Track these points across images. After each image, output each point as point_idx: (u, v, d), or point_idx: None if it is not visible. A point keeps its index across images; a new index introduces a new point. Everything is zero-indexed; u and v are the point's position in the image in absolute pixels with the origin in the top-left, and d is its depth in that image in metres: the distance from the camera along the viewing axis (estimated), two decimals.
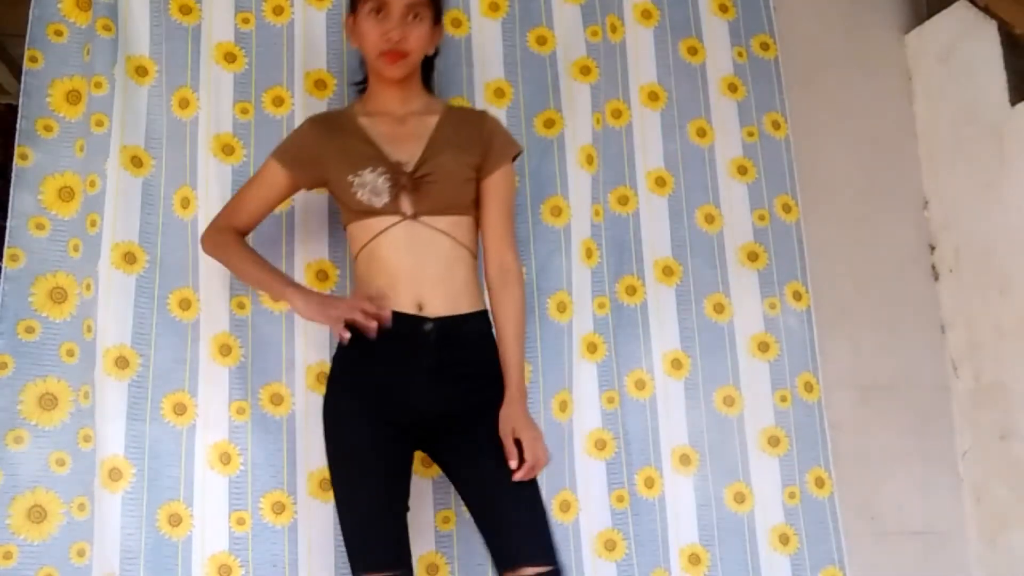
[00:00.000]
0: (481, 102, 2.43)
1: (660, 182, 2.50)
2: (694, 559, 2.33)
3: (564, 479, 2.28)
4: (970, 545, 2.59)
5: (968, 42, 2.66)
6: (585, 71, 2.48)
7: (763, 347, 2.46)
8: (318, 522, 2.18)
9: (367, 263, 2.00)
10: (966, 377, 2.63)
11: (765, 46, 2.64)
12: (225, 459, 2.18)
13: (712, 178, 2.53)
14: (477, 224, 2.07)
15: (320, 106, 2.36)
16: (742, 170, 2.55)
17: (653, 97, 2.54)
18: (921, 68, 2.81)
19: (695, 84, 2.57)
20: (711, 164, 2.54)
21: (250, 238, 2.17)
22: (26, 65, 2.28)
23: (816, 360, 2.49)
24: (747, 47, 2.63)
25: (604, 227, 2.43)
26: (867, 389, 2.60)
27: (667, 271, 2.46)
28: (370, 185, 1.97)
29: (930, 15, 2.79)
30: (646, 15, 2.57)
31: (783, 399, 2.44)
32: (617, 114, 2.50)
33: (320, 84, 2.38)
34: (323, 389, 2.05)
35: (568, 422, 2.31)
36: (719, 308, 2.46)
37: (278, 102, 2.36)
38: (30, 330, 2.18)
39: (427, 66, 2.16)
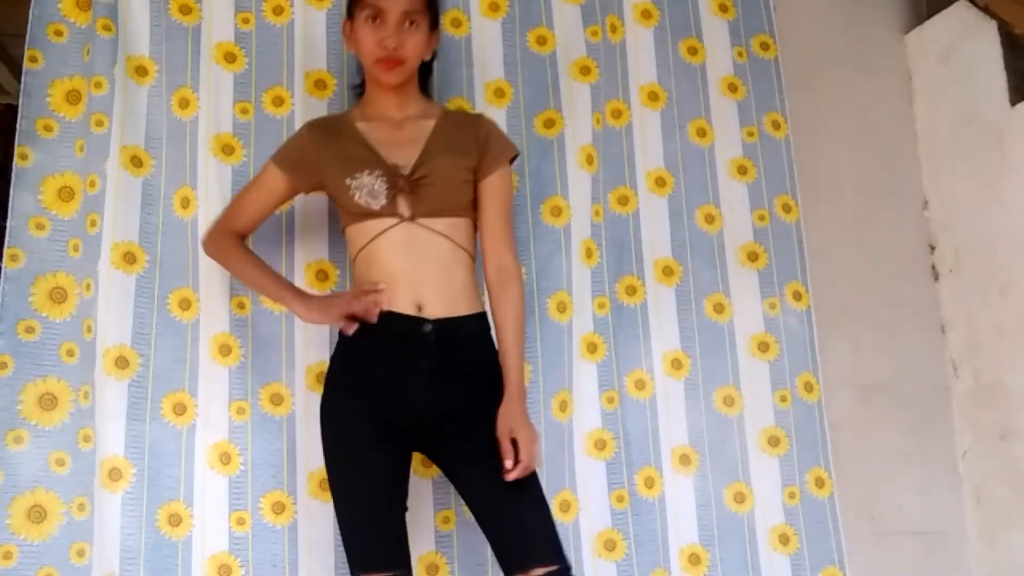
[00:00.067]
0: (481, 102, 2.43)
1: (660, 182, 2.50)
2: (694, 559, 2.33)
3: (564, 479, 2.28)
4: (970, 545, 2.59)
5: (968, 42, 2.66)
6: (585, 71, 2.48)
7: (763, 347, 2.46)
8: (318, 522, 2.18)
9: (366, 265, 2.00)
10: (966, 377, 2.63)
11: (765, 46, 2.64)
12: (225, 459, 2.18)
13: (712, 178, 2.53)
14: (475, 226, 2.07)
15: (320, 106, 2.36)
16: (742, 170, 2.55)
17: (653, 97, 2.54)
18: (921, 68, 2.81)
19: (695, 84, 2.57)
20: (711, 164, 2.54)
21: (250, 238, 2.18)
22: (26, 65, 2.28)
23: (816, 360, 2.49)
24: (747, 47, 2.63)
25: (604, 227, 2.43)
26: (867, 389, 2.60)
27: (667, 271, 2.46)
28: (367, 188, 1.97)
29: (930, 15, 2.79)
30: (646, 15, 2.57)
31: (783, 399, 2.44)
32: (617, 114, 2.50)
33: (320, 84, 2.38)
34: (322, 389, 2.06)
35: (568, 422, 2.31)
36: (719, 308, 2.46)
37: (278, 102, 2.36)
38: (30, 330, 2.18)
39: (424, 70, 2.17)
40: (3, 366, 2.16)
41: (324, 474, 2.00)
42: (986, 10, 2.59)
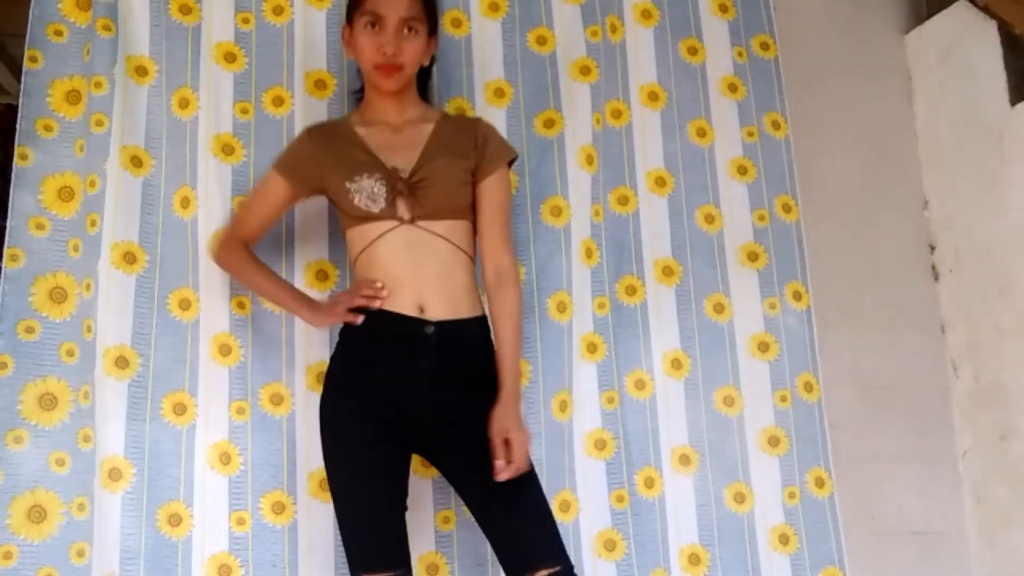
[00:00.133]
0: (481, 102, 2.43)
1: (660, 182, 2.50)
2: (694, 559, 2.33)
3: (564, 479, 2.27)
4: (970, 545, 2.59)
5: (968, 42, 2.66)
6: (585, 71, 2.48)
7: (763, 347, 2.46)
8: (318, 522, 2.18)
9: (366, 267, 2.01)
10: (966, 377, 2.63)
11: (765, 46, 2.64)
12: (225, 459, 2.18)
13: (712, 178, 2.53)
14: (475, 229, 2.08)
15: (320, 106, 2.36)
16: (742, 170, 2.55)
17: (653, 97, 2.54)
18: (921, 68, 2.81)
19: (695, 84, 2.57)
20: (711, 164, 2.54)
21: None
22: (26, 65, 2.28)
23: (816, 360, 2.49)
24: (747, 47, 2.63)
25: (604, 227, 2.43)
26: (867, 389, 2.61)
27: (667, 271, 2.46)
28: (367, 190, 1.99)
29: (930, 15, 2.80)
30: (646, 15, 2.57)
31: (783, 399, 2.44)
32: (617, 114, 2.50)
33: (320, 84, 2.38)
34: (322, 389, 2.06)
35: (568, 422, 2.31)
36: (719, 308, 2.46)
37: (278, 102, 2.36)
38: (30, 330, 2.18)
39: (423, 75, 2.19)
40: (3, 366, 2.16)
41: (324, 474, 2.00)
42: (986, 10, 2.59)
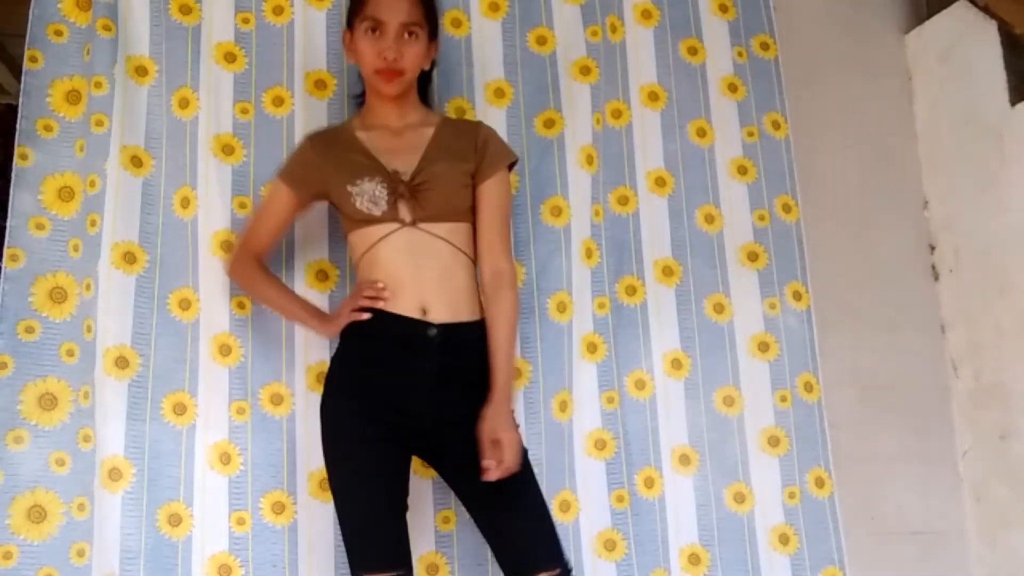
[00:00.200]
0: (481, 102, 2.43)
1: (660, 182, 2.50)
2: (694, 559, 2.33)
3: (564, 479, 2.28)
4: (970, 545, 2.59)
5: (968, 42, 2.66)
6: (585, 71, 2.48)
7: (763, 347, 2.46)
8: (318, 522, 2.18)
9: (369, 269, 2.02)
10: (966, 377, 2.63)
11: (765, 46, 2.64)
12: (225, 459, 2.18)
13: (712, 178, 2.53)
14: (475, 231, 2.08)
15: (320, 106, 2.36)
16: (742, 170, 2.55)
17: (653, 97, 2.54)
18: (921, 68, 2.81)
19: (695, 84, 2.57)
20: (711, 164, 2.54)
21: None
22: (26, 65, 2.28)
23: (816, 360, 2.49)
24: (747, 47, 2.63)
25: (604, 227, 2.43)
26: (867, 389, 2.61)
27: (667, 271, 2.46)
28: (368, 194, 2.00)
29: (930, 15, 2.79)
30: (646, 15, 2.57)
31: (783, 399, 2.44)
32: (617, 114, 2.50)
33: (320, 84, 2.38)
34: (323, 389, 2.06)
35: (568, 422, 2.31)
36: (719, 308, 2.46)
37: (278, 102, 2.36)
38: (30, 330, 2.18)
39: (424, 79, 2.19)
40: (3, 366, 2.16)
41: (324, 474, 2.00)
42: (986, 10, 2.59)
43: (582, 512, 2.27)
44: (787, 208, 2.56)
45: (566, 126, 2.44)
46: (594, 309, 2.38)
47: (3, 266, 2.19)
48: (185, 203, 2.26)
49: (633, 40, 2.55)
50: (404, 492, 1.96)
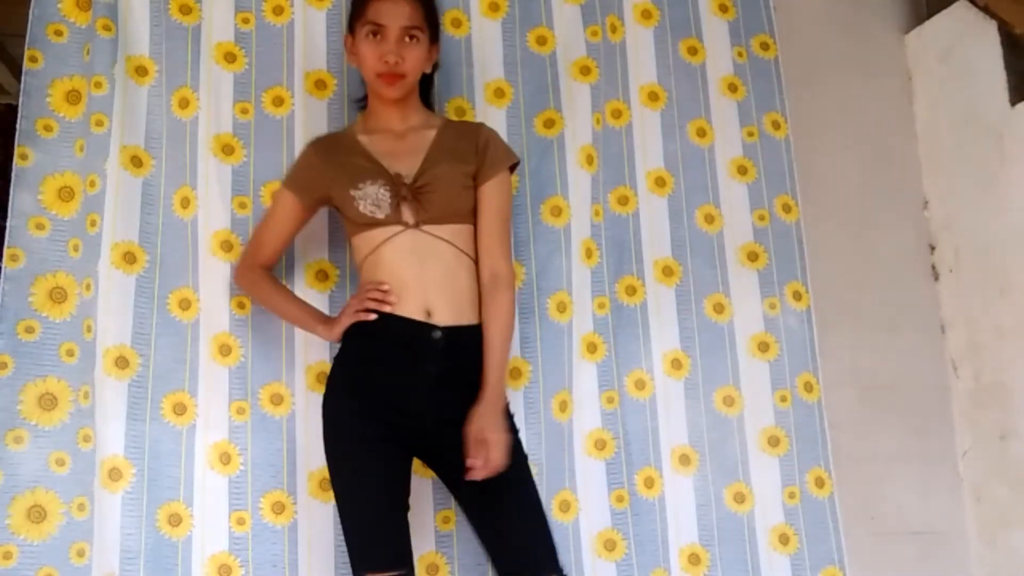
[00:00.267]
0: (481, 102, 2.43)
1: (660, 182, 2.50)
2: (694, 559, 2.33)
3: (564, 479, 2.28)
4: (970, 545, 2.59)
5: (968, 42, 2.66)
6: (585, 71, 2.48)
7: (763, 347, 2.46)
8: (318, 522, 2.18)
9: (372, 272, 2.03)
10: (966, 377, 2.63)
11: (765, 46, 2.64)
12: (225, 459, 2.18)
13: (712, 178, 2.53)
14: None
15: (320, 106, 2.36)
16: (742, 170, 2.55)
17: (653, 97, 2.54)
18: (921, 68, 2.81)
19: (695, 84, 2.57)
20: (711, 164, 2.54)
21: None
22: (26, 65, 2.28)
23: (816, 360, 2.49)
24: (747, 47, 2.63)
25: (604, 227, 2.43)
26: (867, 389, 2.61)
27: (667, 271, 2.46)
28: (372, 197, 2.00)
29: (930, 15, 2.79)
30: (646, 15, 2.57)
31: (783, 399, 2.44)
32: (617, 114, 2.50)
33: (320, 84, 2.38)
34: (323, 389, 2.06)
35: (568, 422, 2.31)
36: (719, 308, 2.46)
37: (278, 102, 2.36)
38: (30, 330, 2.18)
39: (426, 82, 2.20)
40: (3, 366, 2.16)
41: (324, 474, 2.01)
42: (986, 10, 2.59)
43: (582, 512, 2.27)
44: (787, 208, 2.56)
45: (566, 126, 2.44)
46: (594, 309, 2.38)
47: (3, 266, 2.19)
48: (185, 203, 2.26)
49: (633, 40, 2.55)
50: (405, 492, 1.96)
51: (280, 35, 2.39)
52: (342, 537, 1.94)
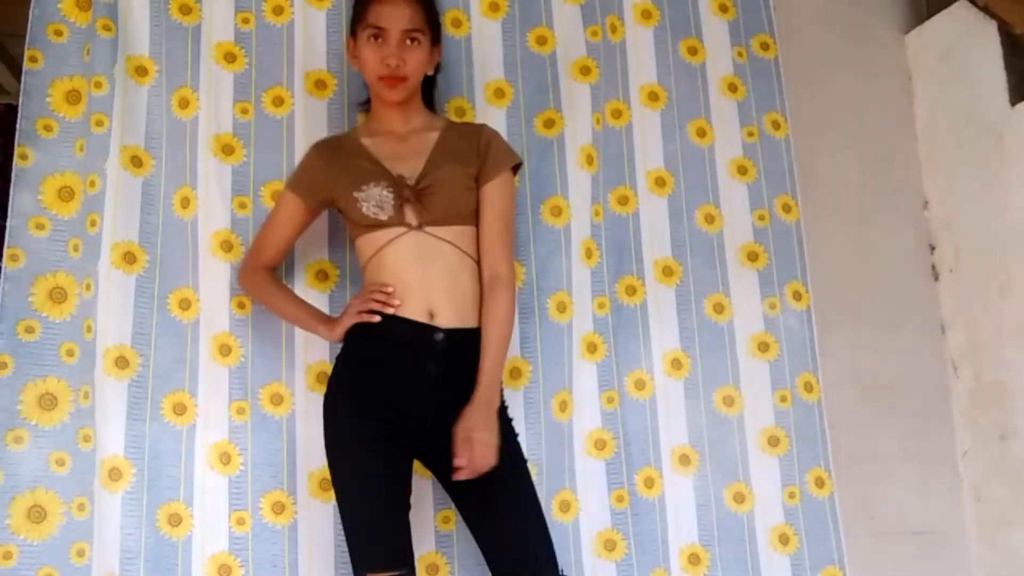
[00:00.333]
0: (481, 102, 2.43)
1: (660, 182, 2.50)
2: (694, 559, 2.33)
3: (564, 479, 2.28)
4: (970, 545, 2.59)
5: (968, 42, 2.66)
6: (585, 71, 2.48)
7: (763, 347, 2.46)
8: (318, 522, 2.18)
9: (375, 273, 2.03)
10: (966, 377, 2.63)
11: (765, 46, 2.64)
12: (225, 459, 2.18)
13: (712, 178, 2.53)
14: None
15: (320, 106, 2.36)
16: (742, 170, 2.55)
17: (653, 97, 2.54)
18: (921, 68, 2.81)
19: (695, 84, 2.57)
20: (711, 164, 2.54)
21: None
22: (26, 65, 2.28)
23: (816, 360, 2.49)
24: (747, 47, 2.63)
25: (604, 227, 2.43)
26: (867, 389, 2.61)
27: (667, 271, 2.46)
28: (375, 199, 2.01)
29: (930, 15, 2.79)
30: (646, 15, 2.57)
31: (783, 399, 2.44)
32: (617, 114, 2.50)
33: (320, 84, 2.38)
34: (323, 389, 2.06)
35: (568, 422, 2.31)
36: (719, 308, 2.46)
37: (278, 102, 2.36)
38: (30, 330, 2.18)
39: (428, 84, 2.21)
40: (3, 366, 2.16)
41: (324, 474, 2.00)
42: (986, 10, 2.59)
43: (582, 512, 2.27)
44: (787, 208, 2.56)
45: (566, 126, 2.44)
46: (594, 309, 2.38)
47: (3, 266, 2.19)
48: (185, 203, 2.26)
49: (633, 40, 2.55)
50: (406, 492, 1.97)
51: (280, 35, 2.39)
52: (342, 537, 1.94)
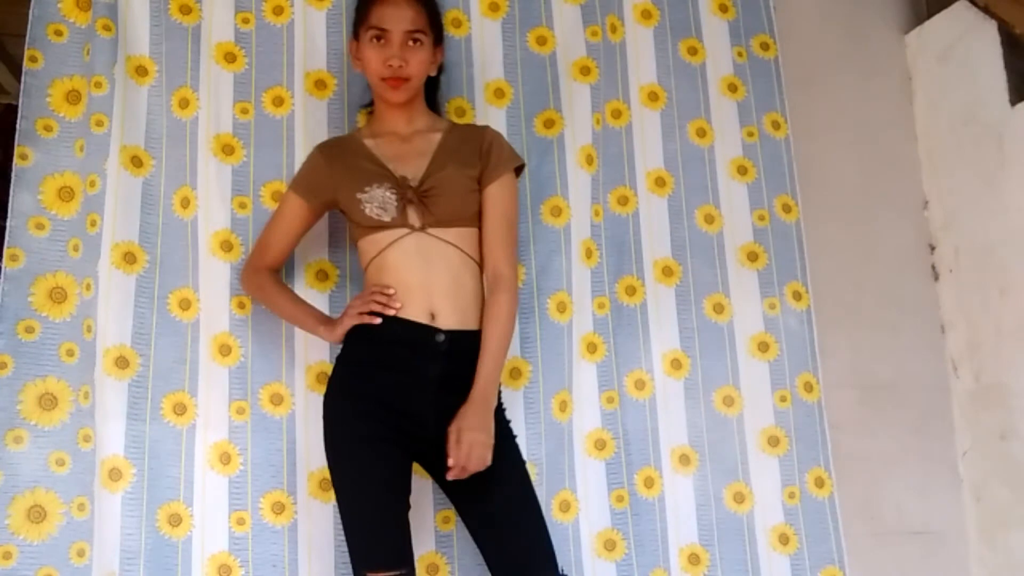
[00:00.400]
0: (481, 102, 2.43)
1: (660, 182, 2.50)
2: (694, 559, 2.33)
3: (564, 479, 2.28)
4: (970, 545, 2.59)
5: (968, 42, 2.66)
6: (585, 71, 2.48)
7: (763, 347, 2.46)
8: (318, 522, 2.18)
9: (378, 275, 2.03)
10: (966, 377, 2.63)
11: (765, 46, 2.64)
12: (225, 459, 2.18)
13: (712, 178, 2.53)
14: None
15: (320, 106, 2.37)
16: (742, 170, 2.55)
17: (653, 97, 2.54)
18: (921, 68, 2.81)
19: (695, 84, 2.57)
20: (711, 164, 2.54)
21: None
22: (26, 65, 2.28)
23: (816, 360, 2.49)
24: (747, 47, 2.63)
25: (604, 227, 2.43)
26: (867, 389, 2.60)
27: (667, 271, 2.46)
28: (378, 200, 2.01)
29: (930, 15, 2.79)
30: (646, 15, 2.57)
31: (783, 399, 2.44)
32: (617, 114, 2.50)
33: (320, 84, 2.38)
34: (323, 389, 2.06)
35: (568, 422, 2.31)
36: (719, 308, 2.46)
37: (278, 102, 2.36)
38: (30, 330, 2.18)
39: (431, 85, 2.21)
40: (3, 366, 2.16)
41: (324, 474, 2.00)
42: (986, 10, 2.59)
43: (582, 512, 2.27)
44: (787, 208, 2.56)
45: (566, 126, 2.44)
46: (594, 309, 2.38)
47: (3, 266, 2.19)
48: (185, 203, 2.26)
49: (633, 40, 2.55)
50: (406, 492, 1.96)
51: (280, 35, 2.39)
52: (342, 537, 1.94)
